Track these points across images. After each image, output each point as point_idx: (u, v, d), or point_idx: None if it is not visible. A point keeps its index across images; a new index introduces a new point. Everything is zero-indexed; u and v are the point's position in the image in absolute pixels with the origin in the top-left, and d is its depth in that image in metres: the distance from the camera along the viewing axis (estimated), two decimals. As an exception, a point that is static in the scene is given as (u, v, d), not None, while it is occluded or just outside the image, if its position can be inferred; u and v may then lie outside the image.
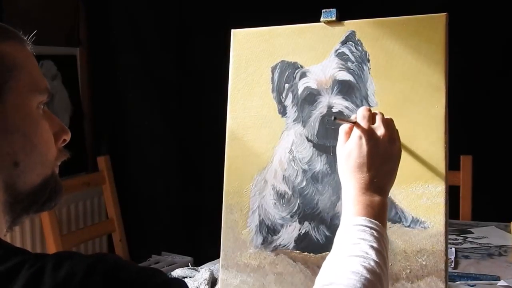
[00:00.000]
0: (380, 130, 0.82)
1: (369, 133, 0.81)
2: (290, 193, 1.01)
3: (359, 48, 0.99)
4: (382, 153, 0.81)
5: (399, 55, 0.96)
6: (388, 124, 0.83)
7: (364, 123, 0.82)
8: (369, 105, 0.97)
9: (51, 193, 0.67)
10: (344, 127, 0.85)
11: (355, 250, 0.71)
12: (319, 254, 0.98)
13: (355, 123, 0.83)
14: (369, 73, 0.98)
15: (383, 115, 0.84)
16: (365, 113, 0.84)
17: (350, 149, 0.81)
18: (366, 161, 0.80)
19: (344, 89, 0.99)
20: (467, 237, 1.48)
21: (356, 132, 0.82)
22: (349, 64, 0.99)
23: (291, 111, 1.03)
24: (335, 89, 0.99)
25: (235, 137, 1.06)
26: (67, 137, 0.69)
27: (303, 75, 1.02)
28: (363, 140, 0.81)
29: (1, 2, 2.03)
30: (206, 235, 1.64)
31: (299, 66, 1.03)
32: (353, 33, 0.99)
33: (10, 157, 0.62)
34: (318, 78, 1.01)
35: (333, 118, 0.85)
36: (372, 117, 0.84)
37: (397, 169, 0.83)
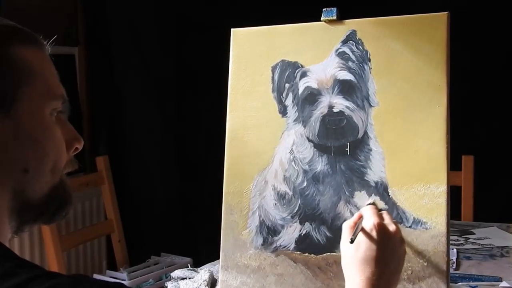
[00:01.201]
0: (391, 227, 0.81)
1: (381, 227, 0.80)
2: (290, 193, 1.01)
3: (360, 47, 0.98)
4: (391, 249, 0.79)
5: (400, 55, 0.95)
6: (396, 223, 0.82)
7: (374, 218, 0.81)
8: (370, 105, 0.96)
9: (61, 203, 0.67)
10: (348, 223, 0.84)
11: None
12: (320, 255, 0.97)
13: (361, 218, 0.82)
14: (370, 72, 0.97)
15: (391, 215, 0.84)
16: (373, 210, 0.83)
17: (359, 241, 0.79)
18: (376, 254, 0.77)
19: (345, 88, 0.98)
20: (468, 238, 1.47)
21: (367, 225, 0.80)
22: (350, 63, 0.98)
23: (292, 111, 1.02)
24: (336, 89, 0.99)
25: (235, 137, 1.05)
26: (80, 145, 0.69)
27: (304, 74, 1.01)
28: (374, 232, 0.79)
29: (0, 1, 2.02)
30: (206, 236, 1.63)
31: (300, 66, 1.02)
32: (354, 32, 0.99)
33: (20, 163, 0.61)
34: (318, 78, 1.00)
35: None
36: (379, 216, 0.82)
37: (400, 273, 0.81)
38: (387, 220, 0.82)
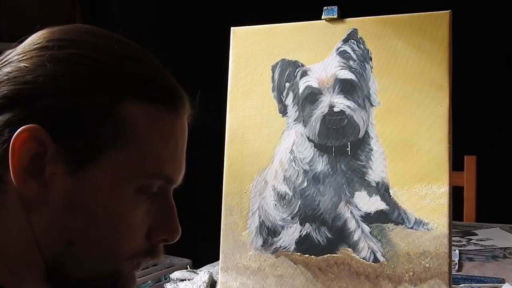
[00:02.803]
0: None
1: None
2: (291, 194, 1.00)
3: (361, 46, 0.98)
4: None
5: (402, 53, 0.95)
6: None
7: None
8: (372, 104, 0.96)
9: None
10: None
11: None
12: (321, 256, 0.97)
13: None
14: (372, 71, 0.97)
15: None
16: None
17: None
18: None
19: (346, 88, 0.98)
20: (471, 239, 1.46)
21: None
22: (351, 62, 0.98)
23: (292, 111, 1.01)
24: (336, 88, 0.98)
25: (235, 137, 1.04)
26: (171, 238, 0.57)
27: (304, 73, 1.01)
28: None
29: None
30: (205, 237, 1.62)
31: (300, 65, 1.01)
32: (355, 31, 0.98)
33: (65, 233, 0.50)
34: (319, 77, 1.00)
35: None
36: None
37: None
38: None
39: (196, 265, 1.47)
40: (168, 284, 1.21)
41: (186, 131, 0.59)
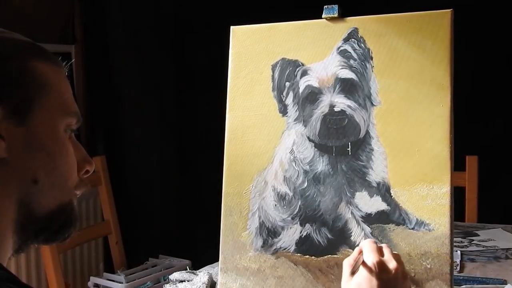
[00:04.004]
0: (392, 264, 0.79)
1: (380, 266, 0.78)
2: (291, 194, 1.00)
3: (362, 45, 0.97)
4: (393, 287, 0.77)
5: (403, 53, 0.95)
6: (398, 258, 0.81)
7: (374, 256, 0.79)
8: (372, 104, 0.95)
9: (65, 222, 0.65)
10: (348, 260, 0.81)
11: None
12: (321, 257, 0.96)
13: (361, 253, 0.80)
14: (372, 71, 0.96)
15: (391, 249, 0.82)
16: (372, 246, 0.81)
17: (359, 282, 0.78)
18: None
19: (347, 87, 0.97)
20: (472, 240, 1.46)
21: (366, 264, 0.78)
22: (352, 61, 0.97)
23: (292, 110, 1.01)
24: (337, 88, 0.98)
25: (235, 137, 1.04)
26: (91, 168, 0.68)
27: (304, 73, 1.00)
28: (375, 273, 0.77)
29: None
30: (205, 238, 1.62)
31: (300, 64, 1.01)
32: (355, 30, 0.98)
33: (30, 173, 0.61)
34: (319, 76, 0.99)
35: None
36: (379, 250, 0.81)
37: None
38: (387, 256, 0.80)
39: (196, 266, 1.47)
40: (168, 285, 1.21)
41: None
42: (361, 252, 0.82)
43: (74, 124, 0.66)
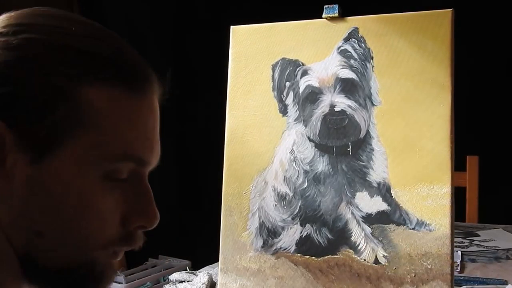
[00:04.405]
0: None
1: None
2: (291, 194, 0.99)
3: (362, 45, 0.97)
4: None
5: (403, 52, 0.94)
6: None
7: None
8: (373, 104, 0.95)
9: (83, 283, 0.52)
10: None
11: None
12: (321, 258, 0.96)
13: None
14: (373, 70, 0.96)
15: None
16: None
17: None
18: None
19: (347, 87, 0.97)
20: (473, 240, 1.45)
21: None
22: (352, 61, 0.97)
23: (292, 110, 1.01)
24: (337, 88, 0.97)
25: (235, 137, 1.04)
26: (148, 224, 0.55)
27: (305, 73, 1.00)
28: None
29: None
30: (205, 238, 1.62)
31: (301, 64, 1.01)
32: (356, 30, 0.98)
33: (33, 224, 0.49)
34: (320, 76, 0.99)
35: None
36: None
37: None
38: None
39: (196, 267, 1.46)
40: (167, 285, 1.21)
41: (157, 110, 0.56)
42: None
43: (124, 169, 0.51)
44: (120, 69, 0.49)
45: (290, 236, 0.99)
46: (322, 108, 0.98)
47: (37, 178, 0.47)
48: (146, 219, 0.54)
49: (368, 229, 0.94)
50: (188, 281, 1.18)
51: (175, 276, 1.22)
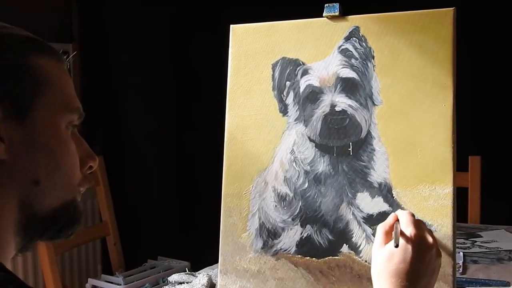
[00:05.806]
0: (429, 239, 0.77)
1: (418, 239, 0.76)
2: (291, 195, 0.99)
3: (363, 44, 0.96)
4: (427, 263, 0.76)
5: (404, 52, 0.94)
6: (433, 235, 0.79)
7: (412, 228, 0.77)
8: (374, 104, 0.94)
9: (69, 220, 0.65)
10: (384, 226, 0.80)
11: None
12: (322, 259, 0.96)
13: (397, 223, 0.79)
14: (374, 70, 0.95)
15: (426, 225, 0.81)
16: (411, 218, 0.79)
17: (392, 252, 0.76)
18: (409, 268, 0.75)
19: (348, 87, 0.96)
20: (475, 241, 1.45)
21: (404, 235, 0.77)
22: (353, 61, 0.96)
23: (293, 110, 1.00)
24: (338, 87, 0.97)
25: (234, 137, 1.03)
26: (94, 164, 0.67)
27: (305, 72, 0.99)
28: (411, 244, 0.76)
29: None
30: (204, 239, 1.61)
31: (301, 63, 1.00)
32: (357, 29, 0.97)
33: (31, 174, 0.60)
34: (320, 76, 0.98)
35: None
36: (417, 225, 0.79)
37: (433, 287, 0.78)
38: (425, 231, 0.78)
39: (195, 268, 1.46)
40: (166, 287, 1.20)
41: None
42: (396, 220, 0.80)
43: (76, 120, 0.65)
44: (47, 46, 0.64)
45: (290, 237, 0.98)
46: (323, 108, 0.98)
47: (28, 134, 0.59)
48: (94, 160, 0.67)
49: (369, 230, 0.93)
50: (187, 283, 1.18)
51: (174, 277, 1.22)
